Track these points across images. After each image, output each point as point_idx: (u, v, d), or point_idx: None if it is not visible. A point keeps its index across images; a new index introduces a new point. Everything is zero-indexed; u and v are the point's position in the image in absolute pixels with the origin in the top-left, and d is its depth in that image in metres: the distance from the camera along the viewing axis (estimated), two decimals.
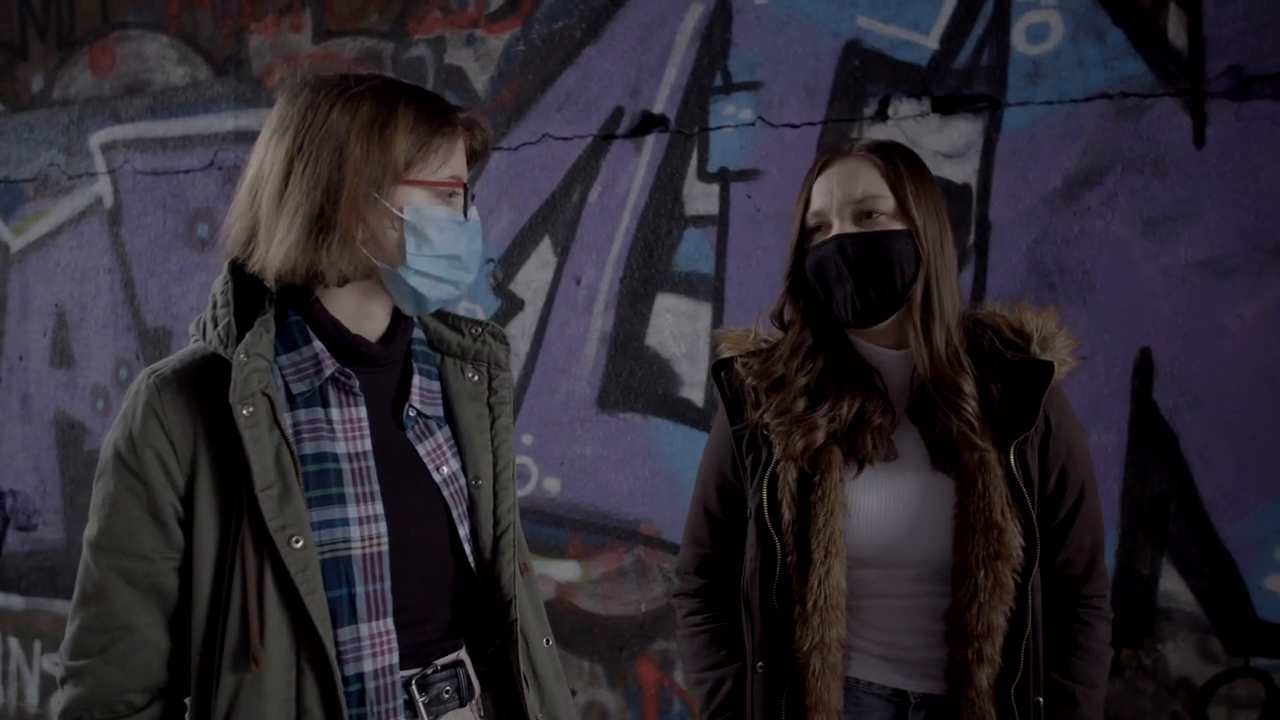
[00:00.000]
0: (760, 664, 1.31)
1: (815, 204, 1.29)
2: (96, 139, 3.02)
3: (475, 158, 1.20)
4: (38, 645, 3.16)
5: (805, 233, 1.31)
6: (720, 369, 1.40)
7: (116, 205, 2.99)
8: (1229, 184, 1.83)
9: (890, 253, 1.24)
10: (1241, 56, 1.82)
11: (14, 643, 3.20)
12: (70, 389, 3.09)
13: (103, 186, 3.02)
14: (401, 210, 1.08)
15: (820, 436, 1.27)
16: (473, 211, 1.16)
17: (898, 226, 1.25)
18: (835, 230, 1.26)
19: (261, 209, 1.08)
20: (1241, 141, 1.82)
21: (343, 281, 1.09)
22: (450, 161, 1.12)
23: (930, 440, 1.27)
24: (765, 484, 1.30)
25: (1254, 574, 1.83)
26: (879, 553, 1.28)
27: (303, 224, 1.05)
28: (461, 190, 1.13)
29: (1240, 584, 1.83)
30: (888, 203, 1.25)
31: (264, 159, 1.09)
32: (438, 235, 1.10)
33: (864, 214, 1.25)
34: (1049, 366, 1.25)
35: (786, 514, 1.28)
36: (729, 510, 1.40)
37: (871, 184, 1.25)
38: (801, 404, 1.29)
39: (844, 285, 1.25)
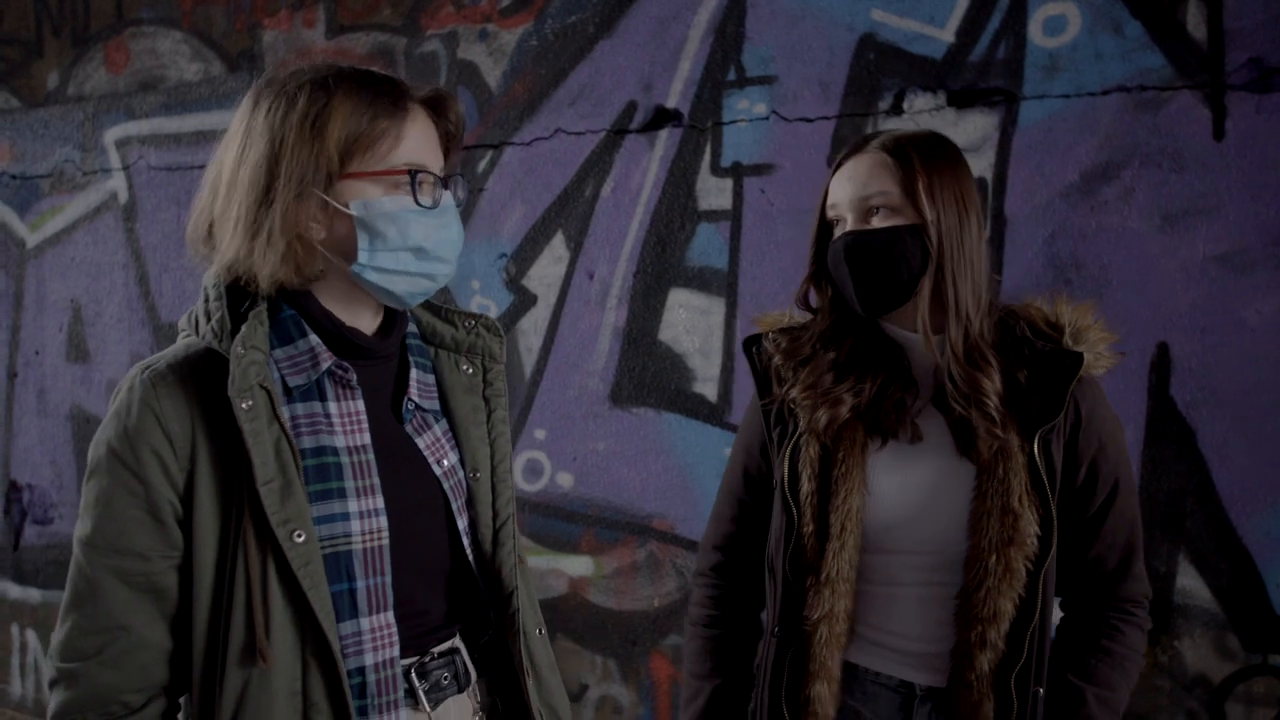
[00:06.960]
0: (776, 629, 1.34)
1: (832, 198, 1.32)
2: (111, 135, 3.03)
3: (451, 140, 1.13)
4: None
5: (827, 225, 1.33)
6: (750, 344, 1.42)
7: (131, 201, 3.01)
8: (1249, 178, 1.81)
9: (892, 249, 1.24)
10: (1262, 48, 1.80)
11: (31, 635, 3.23)
12: (86, 384, 3.10)
13: (117, 182, 3.03)
14: (348, 206, 1.04)
15: (844, 411, 1.29)
16: (445, 196, 1.10)
17: (901, 222, 1.25)
18: (848, 226, 1.29)
19: (215, 211, 1.07)
20: (1262, 134, 1.80)
21: (276, 287, 1.06)
22: (401, 147, 1.05)
23: (953, 425, 1.28)
24: (788, 456, 1.32)
25: (1272, 570, 1.81)
26: (893, 534, 1.29)
27: (243, 229, 1.03)
28: (414, 176, 1.06)
29: (1258, 580, 1.82)
30: (893, 199, 1.25)
31: (219, 161, 1.08)
32: (391, 228, 1.05)
33: (869, 211, 1.27)
34: (1078, 357, 1.24)
35: (805, 486, 1.30)
36: (752, 489, 1.42)
37: (878, 181, 1.26)
38: (829, 379, 1.31)
39: (850, 280, 1.27)
